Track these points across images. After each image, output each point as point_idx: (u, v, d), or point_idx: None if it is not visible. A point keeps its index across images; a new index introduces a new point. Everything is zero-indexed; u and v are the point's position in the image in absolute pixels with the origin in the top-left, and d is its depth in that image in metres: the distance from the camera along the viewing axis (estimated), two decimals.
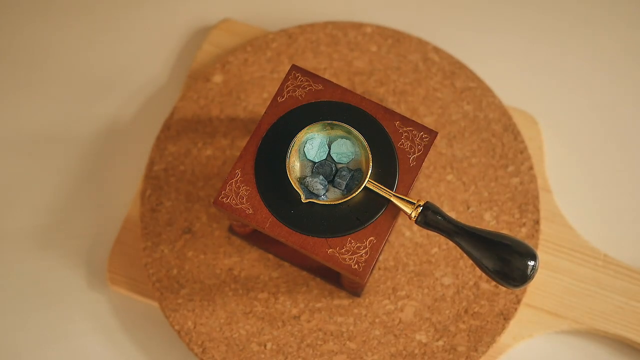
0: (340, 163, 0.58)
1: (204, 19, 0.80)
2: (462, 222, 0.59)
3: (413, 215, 0.56)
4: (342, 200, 0.56)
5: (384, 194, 0.56)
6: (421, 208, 0.56)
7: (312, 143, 0.58)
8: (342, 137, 0.58)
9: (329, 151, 0.58)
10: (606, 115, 0.76)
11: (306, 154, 0.58)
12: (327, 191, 0.57)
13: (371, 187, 0.56)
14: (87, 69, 0.78)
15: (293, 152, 0.57)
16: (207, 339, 0.67)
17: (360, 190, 0.56)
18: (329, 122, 0.57)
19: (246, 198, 0.58)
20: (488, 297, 0.67)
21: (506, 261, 0.54)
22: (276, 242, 0.68)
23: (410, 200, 0.56)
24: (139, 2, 0.80)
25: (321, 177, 0.57)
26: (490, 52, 0.78)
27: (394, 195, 0.56)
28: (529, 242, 0.68)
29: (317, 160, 0.58)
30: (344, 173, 0.57)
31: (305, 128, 0.57)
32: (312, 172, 0.57)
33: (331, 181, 0.57)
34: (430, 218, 0.56)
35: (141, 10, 0.80)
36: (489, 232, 0.55)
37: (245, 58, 0.74)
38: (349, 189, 0.57)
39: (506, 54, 0.78)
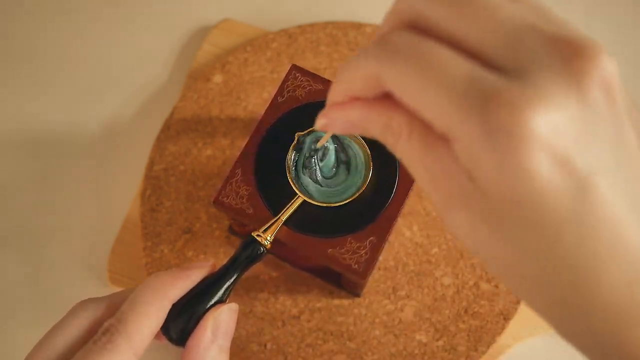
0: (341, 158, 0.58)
1: (204, 19, 0.80)
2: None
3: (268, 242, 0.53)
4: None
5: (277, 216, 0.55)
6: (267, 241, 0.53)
7: (313, 143, 0.58)
8: (343, 137, 0.58)
9: (329, 150, 0.58)
10: None
11: (306, 153, 0.58)
12: (323, 187, 0.57)
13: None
14: (87, 68, 0.78)
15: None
16: None
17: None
18: None
19: (246, 197, 0.58)
20: (488, 297, 0.67)
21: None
22: (276, 242, 0.68)
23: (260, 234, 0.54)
24: (138, 2, 0.80)
25: (316, 172, 0.57)
26: None
27: (279, 218, 0.55)
28: None
29: (315, 157, 0.58)
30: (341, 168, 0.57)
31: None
32: (308, 168, 0.57)
33: (329, 177, 0.57)
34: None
35: (141, 10, 0.80)
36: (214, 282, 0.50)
37: (245, 58, 0.74)
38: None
39: None
